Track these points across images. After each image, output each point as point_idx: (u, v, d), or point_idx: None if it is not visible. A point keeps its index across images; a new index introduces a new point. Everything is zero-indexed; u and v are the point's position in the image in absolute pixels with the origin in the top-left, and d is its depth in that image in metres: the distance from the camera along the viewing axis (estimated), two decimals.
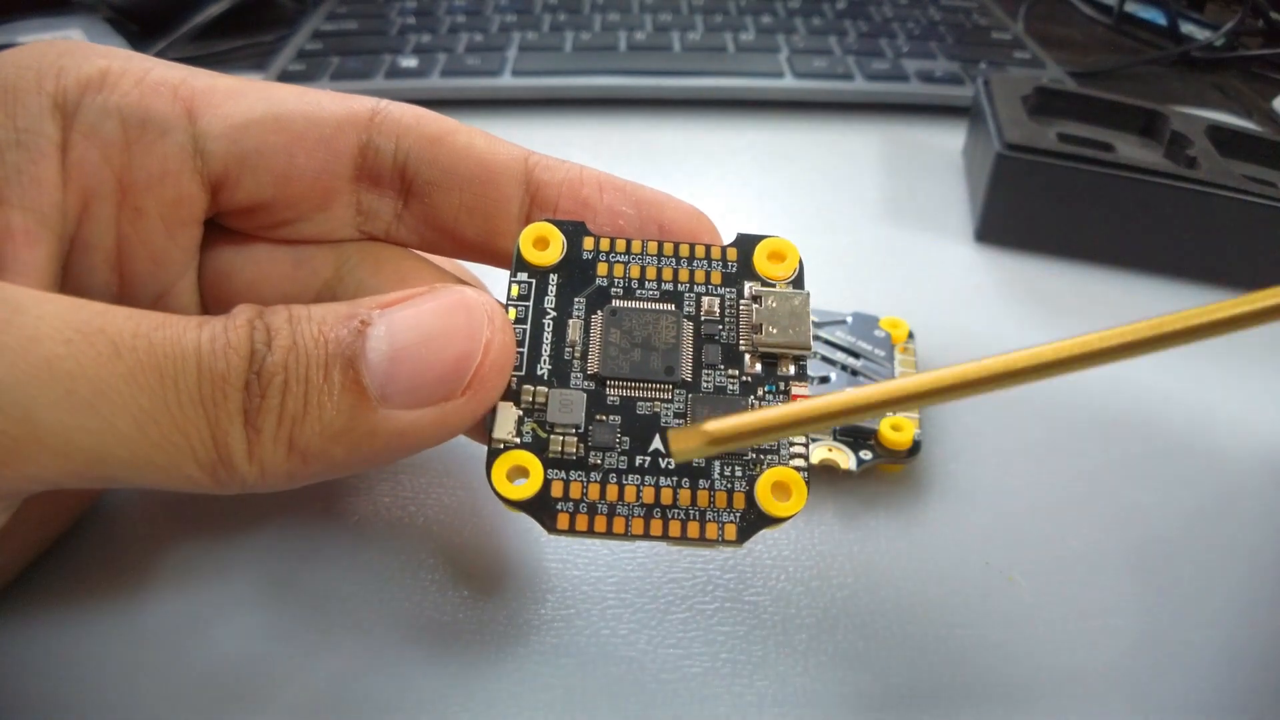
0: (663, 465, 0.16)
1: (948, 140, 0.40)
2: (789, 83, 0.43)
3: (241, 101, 0.18)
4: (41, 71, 0.17)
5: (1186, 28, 0.53)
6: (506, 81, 0.42)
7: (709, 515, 0.16)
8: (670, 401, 0.17)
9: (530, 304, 0.17)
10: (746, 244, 0.18)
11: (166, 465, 0.14)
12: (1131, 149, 0.34)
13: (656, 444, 0.16)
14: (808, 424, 0.14)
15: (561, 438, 0.16)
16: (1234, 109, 0.45)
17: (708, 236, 0.19)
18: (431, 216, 0.19)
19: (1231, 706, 0.19)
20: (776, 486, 0.16)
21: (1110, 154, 0.32)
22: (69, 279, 0.18)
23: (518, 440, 0.16)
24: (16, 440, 0.13)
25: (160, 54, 0.45)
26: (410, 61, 0.43)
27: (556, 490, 0.16)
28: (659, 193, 0.19)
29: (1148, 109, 0.36)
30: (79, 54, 0.18)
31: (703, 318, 0.17)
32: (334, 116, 0.18)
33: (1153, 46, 0.53)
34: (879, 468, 0.23)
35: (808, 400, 0.14)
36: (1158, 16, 0.54)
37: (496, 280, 0.19)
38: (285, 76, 0.42)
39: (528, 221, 0.18)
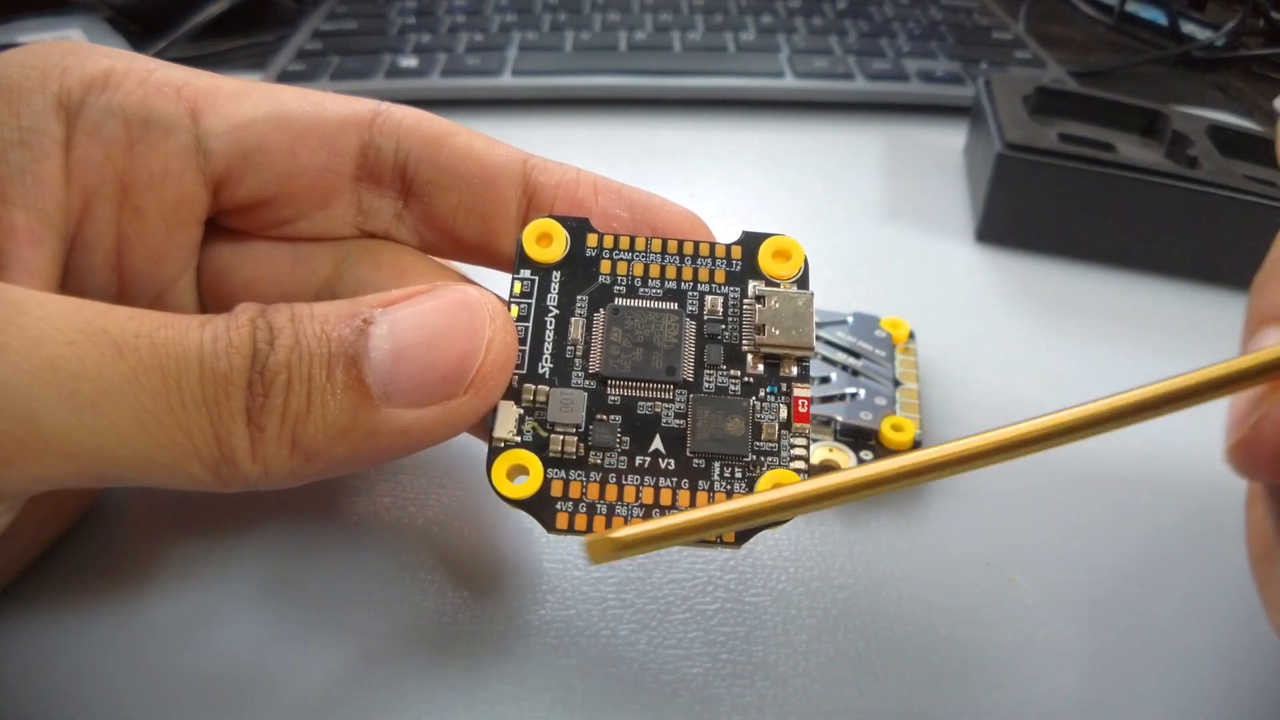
0: (663, 466, 0.16)
1: (948, 140, 0.40)
2: (789, 82, 0.43)
3: (245, 101, 0.18)
4: (46, 71, 0.17)
5: (1187, 27, 0.53)
6: (506, 81, 0.42)
7: None
8: (671, 402, 0.17)
9: (533, 301, 0.17)
10: (751, 242, 0.18)
11: (170, 464, 0.14)
12: (1132, 149, 0.34)
13: (657, 444, 0.16)
14: (707, 528, 0.14)
15: (562, 437, 0.16)
16: (1235, 109, 0.45)
17: (702, 240, 0.19)
18: (431, 216, 0.19)
19: (1233, 708, 0.19)
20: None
21: (1111, 154, 0.32)
22: (69, 278, 0.18)
23: (518, 439, 0.16)
24: (20, 441, 0.13)
25: (160, 54, 0.45)
26: (410, 61, 0.43)
27: (556, 489, 0.16)
28: (653, 196, 0.19)
29: (1149, 109, 0.36)
30: (83, 54, 0.18)
31: (705, 317, 0.17)
32: (337, 116, 0.18)
33: (1153, 46, 0.53)
34: None
35: (709, 507, 0.15)
36: (1158, 16, 0.54)
37: (494, 284, 0.19)
38: (285, 76, 0.42)
39: (525, 222, 0.18)
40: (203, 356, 0.14)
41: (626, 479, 0.16)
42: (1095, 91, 0.37)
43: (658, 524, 0.15)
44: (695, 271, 0.18)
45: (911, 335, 0.27)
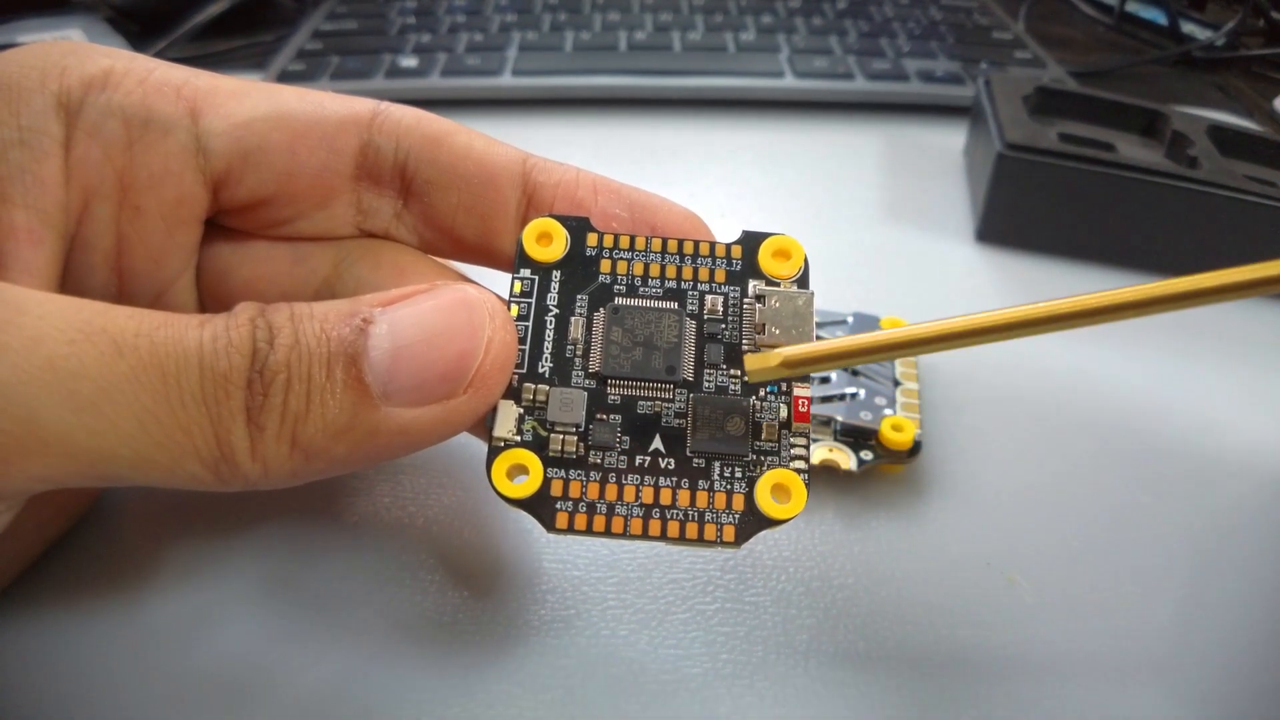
0: (663, 465, 0.16)
1: (948, 140, 0.40)
2: (789, 82, 0.43)
3: (245, 101, 0.18)
4: (46, 70, 0.17)
5: (1187, 27, 0.53)
6: (506, 81, 0.42)
7: (708, 516, 0.16)
8: (671, 401, 0.17)
9: (533, 301, 0.17)
10: (752, 241, 0.18)
11: (170, 464, 0.14)
12: (1132, 149, 0.34)
13: (657, 444, 0.16)
14: (876, 352, 0.15)
15: (562, 436, 0.16)
16: (1235, 109, 0.45)
17: (702, 239, 0.19)
18: (430, 216, 0.19)
19: (1234, 708, 0.19)
20: (776, 488, 0.16)
21: (1111, 154, 0.32)
22: (68, 278, 0.18)
23: (518, 438, 0.16)
24: (20, 441, 0.13)
25: (160, 54, 0.45)
26: (410, 61, 0.43)
27: (556, 489, 0.16)
28: (653, 196, 0.19)
29: (1149, 109, 0.36)
30: (83, 54, 0.18)
31: (705, 316, 0.17)
32: (336, 116, 0.18)
33: (1154, 46, 0.53)
34: (880, 468, 0.23)
35: (876, 333, 0.15)
36: (1158, 16, 0.54)
37: (494, 284, 0.19)
38: (285, 76, 0.42)
39: (524, 222, 0.18)
40: (202, 356, 0.14)
41: (626, 478, 0.16)
42: (1095, 91, 0.37)
43: (824, 345, 0.15)
44: (695, 271, 0.18)
45: None
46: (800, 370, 0.16)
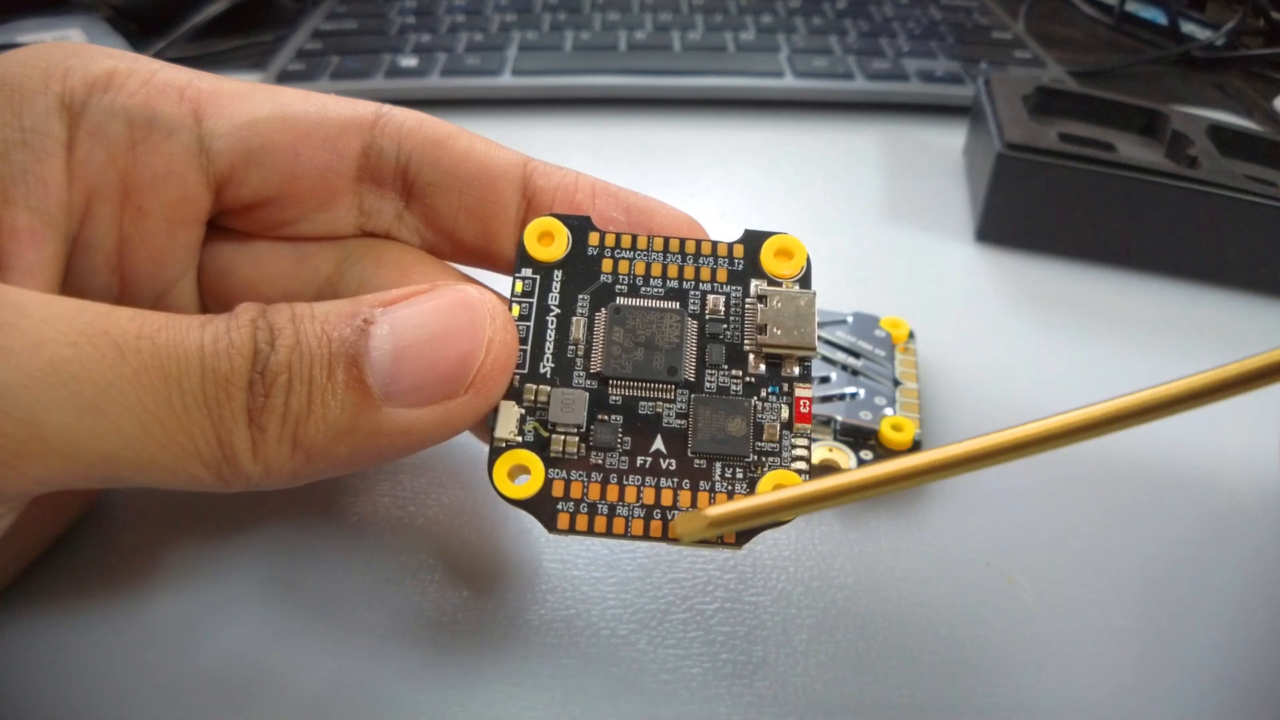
0: (664, 466, 0.16)
1: (948, 140, 0.40)
2: (789, 82, 0.43)
3: (249, 102, 0.18)
4: (49, 71, 0.17)
5: (1187, 27, 0.53)
6: (506, 81, 0.42)
7: None
8: (673, 402, 0.17)
9: (534, 300, 0.17)
10: (754, 240, 0.18)
11: (172, 465, 0.14)
12: (1132, 148, 0.34)
13: (658, 444, 0.16)
14: (804, 506, 0.15)
15: (563, 437, 0.16)
16: (1235, 108, 0.45)
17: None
18: (432, 218, 0.19)
19: (1232, 707, 0.19)
20: (777, 489, 0.16)
21: (1111, 154, 0.32)
22: (70, 280, 0.18)
23: (519, 439, 0.16)
24: (23, 443, 0.13)
25: (160, 54, 0.45)
26: (410, 61, 0.43)
27: (557, 490, 0.16)
28: (650, 199, 0.19)
29: (1149, 108, 0.36)
30: (86, 55, 0.18)
31: (707, 316, 0.17)
32: (339, 118, 0.19)
33: (1153, 46, 0.53)
34: None
35: (804, 485, 0.15)
36: (1158, 16, 0.54)
37: (497, 284, 0.19)
38: (285, 76, 0.42)
39: (524, 225, 0.18)
40: (204, 357, 0.14)
41: (628, 479, 0.16)
42: (1095, 91, 0.37)
43: (747, 503, 0.15)
44: (697, 270, 0.18)
45: (911, 335, 0.27)
46: (726, 529, 0.15)
